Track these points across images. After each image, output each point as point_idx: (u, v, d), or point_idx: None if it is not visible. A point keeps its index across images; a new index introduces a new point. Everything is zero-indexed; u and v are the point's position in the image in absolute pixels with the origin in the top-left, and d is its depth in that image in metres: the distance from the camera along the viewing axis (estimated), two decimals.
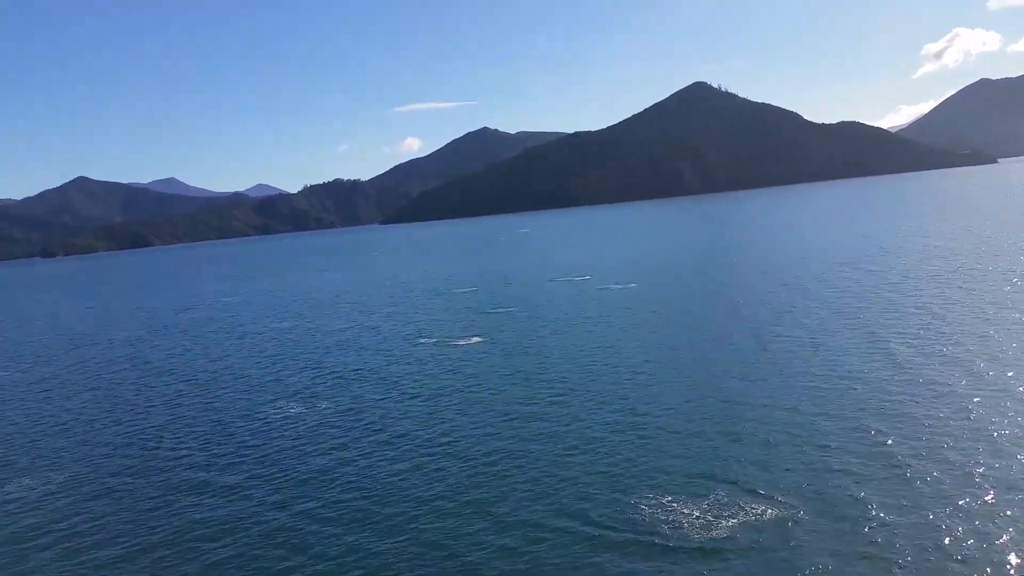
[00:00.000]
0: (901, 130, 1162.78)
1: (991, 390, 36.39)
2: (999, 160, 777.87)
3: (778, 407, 36.78)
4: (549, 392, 44.08)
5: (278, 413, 45.29)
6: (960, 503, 25.20)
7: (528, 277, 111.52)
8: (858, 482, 27.52)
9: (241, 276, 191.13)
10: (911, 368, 41.55)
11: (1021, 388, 36.18)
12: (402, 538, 26.75)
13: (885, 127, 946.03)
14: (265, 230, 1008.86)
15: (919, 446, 30.38)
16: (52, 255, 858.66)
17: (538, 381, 46.98)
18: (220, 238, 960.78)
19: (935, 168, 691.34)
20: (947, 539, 23.09)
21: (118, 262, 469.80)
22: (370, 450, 36.63)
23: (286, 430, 41.41)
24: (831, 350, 47.15)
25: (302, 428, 41.56)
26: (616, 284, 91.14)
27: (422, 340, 66.14)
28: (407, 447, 36.56)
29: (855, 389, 38.49)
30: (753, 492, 27.44)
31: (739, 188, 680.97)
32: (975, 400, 35.11)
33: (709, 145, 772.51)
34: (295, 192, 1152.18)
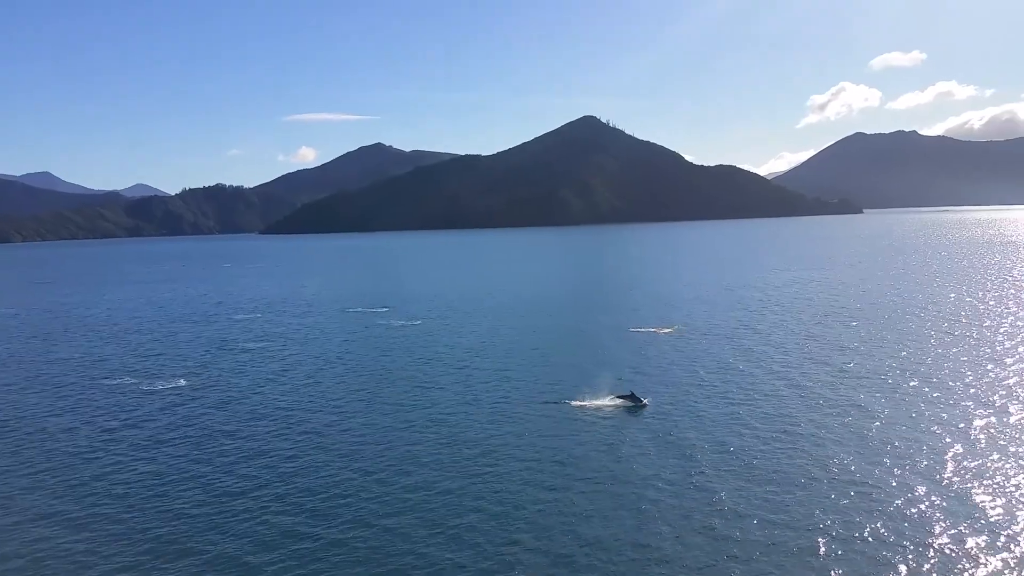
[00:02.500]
0: (780, 176, 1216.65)
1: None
2: (864, 211, 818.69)
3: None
4: (207, 463, 35.49)
5: None
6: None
7: (327, 306, 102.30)
8: None
9: (35, 285, 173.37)
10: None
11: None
12: None
13: (767, 171, 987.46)
14: (136, 232, 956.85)
15: None
16: None
17: (213, 442, 39.24)
18: (88, 238, 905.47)
19: (806, 215, 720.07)
20: None
21: None
22: None
23: None
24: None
25: None
26: (405, 320, 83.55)
27: (122, 379, 56.81)
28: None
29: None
30: None
31: (624, 222, 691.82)
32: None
33: (596, 178, 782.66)
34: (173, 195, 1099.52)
